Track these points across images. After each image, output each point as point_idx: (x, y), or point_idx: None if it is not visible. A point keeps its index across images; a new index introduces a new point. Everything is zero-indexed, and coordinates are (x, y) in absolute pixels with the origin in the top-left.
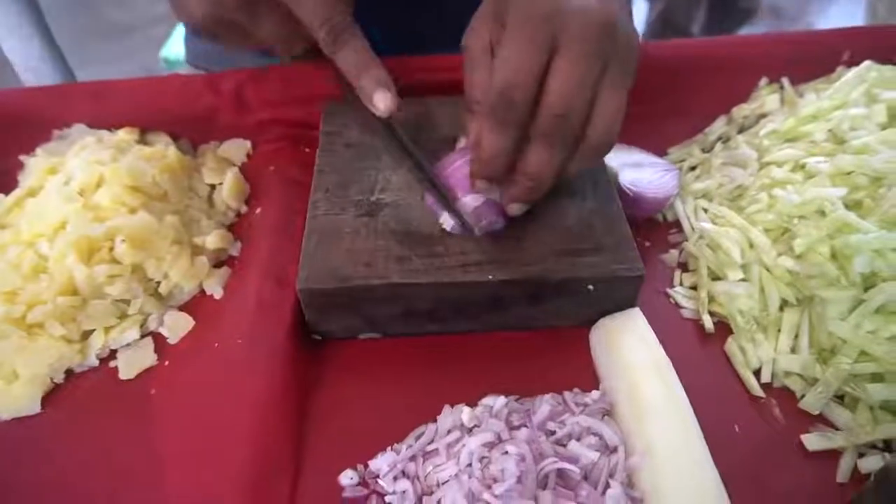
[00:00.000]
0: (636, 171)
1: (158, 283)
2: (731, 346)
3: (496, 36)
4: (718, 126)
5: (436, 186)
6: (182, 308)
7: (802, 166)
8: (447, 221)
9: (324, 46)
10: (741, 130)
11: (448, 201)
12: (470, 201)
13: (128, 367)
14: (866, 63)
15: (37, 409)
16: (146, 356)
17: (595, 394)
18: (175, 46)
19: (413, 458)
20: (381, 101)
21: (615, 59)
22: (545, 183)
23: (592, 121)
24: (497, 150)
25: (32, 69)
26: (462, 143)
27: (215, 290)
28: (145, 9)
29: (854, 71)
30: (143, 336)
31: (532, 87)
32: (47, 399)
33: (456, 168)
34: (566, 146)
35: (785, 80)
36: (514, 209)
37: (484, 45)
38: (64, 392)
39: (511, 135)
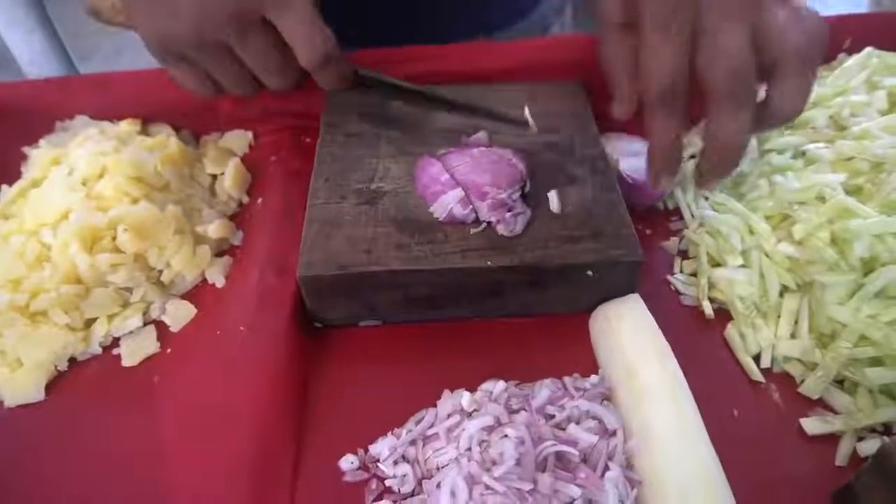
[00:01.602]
0: (637, 159)
1: (161, 271)
2: (730, 331)
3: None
4: None
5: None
6: (184, 297)
7: (803, 153)
8: (438, 211)
9: (311, 68)
10: None
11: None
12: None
13: (131, 355)
14: (867, 49)
15: (41, 396)
16: (149, 344)
17: (594, 378)
18: None
19: (413, 443)
20: None
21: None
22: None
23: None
24: (666, 139)
25: (35, 62)
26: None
27: (217, 278)
28: None
29: (855, 58)
30: (145, 324)
31: (686, 68)
32: (51, 386)
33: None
34: (749, 105)
35: None
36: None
37: (613, 16)
38: (68, 379)
39: (678, 122)
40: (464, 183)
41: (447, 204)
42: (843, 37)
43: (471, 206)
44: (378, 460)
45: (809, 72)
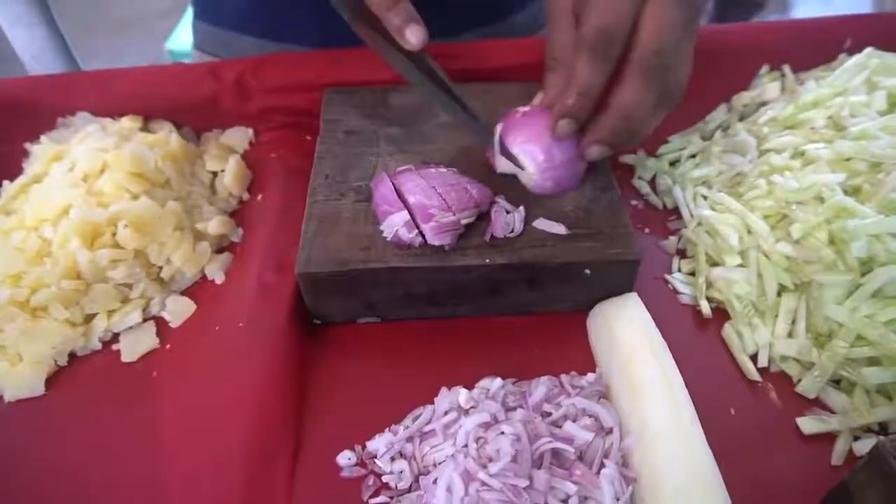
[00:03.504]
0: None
1: (161, 268)
2: (728, 330)
3: None
4: (718, 114)
5: (468, 113)
6: (184, 293)
7: (802, 153)
8: (386, 231)
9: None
10: (741, 118)
11: (486, 132)
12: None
13: (130, 350)
14: (867, 50)
15: (41, 390)
16: (148, 339)
17: (591, 376)
18: (180, 38)
19: (410, 439)
20: (413, 35)
21: (696, 10)
22: (636, 123)
23: (676, 65)
24: (591, 84)
25: (38, 58)
26: (537, 99)
27: (217, 275)
28: (150, 3)
29: (855, 58)
30: (145, 320)
31: (629, 24)
32: (51, 381)
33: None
34: (658, 85)
35: (786, 68)
36: (595, 152)
37: (565, 4)
38: (68, 374)
39: (606, 70)
40: (412, 204)
41: (393, 225)
42: (844, 37)
43: (416, 230)
44: (375, 456)
45: None
